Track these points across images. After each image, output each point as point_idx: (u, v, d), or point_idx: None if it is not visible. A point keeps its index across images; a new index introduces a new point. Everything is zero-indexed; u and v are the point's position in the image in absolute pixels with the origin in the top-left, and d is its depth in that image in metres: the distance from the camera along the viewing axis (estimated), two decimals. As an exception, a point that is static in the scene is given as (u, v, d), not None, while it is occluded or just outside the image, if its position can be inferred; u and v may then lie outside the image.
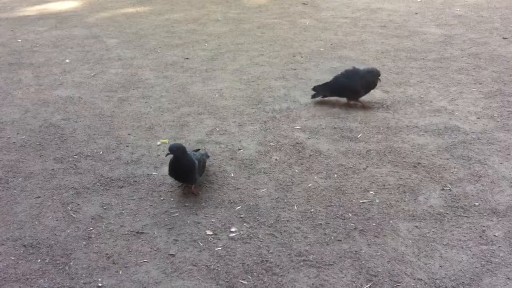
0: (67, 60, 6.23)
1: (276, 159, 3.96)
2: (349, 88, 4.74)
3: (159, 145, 4.19)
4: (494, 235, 3.08)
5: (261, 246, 3.05)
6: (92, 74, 5.76)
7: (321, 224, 3.22)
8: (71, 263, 2.94)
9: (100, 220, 3.30)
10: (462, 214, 3.28)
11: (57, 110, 4.88)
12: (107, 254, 3.00)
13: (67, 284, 2.79)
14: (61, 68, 5.97)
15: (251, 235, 3.14)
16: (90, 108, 4.90)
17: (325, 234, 3.13)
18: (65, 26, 7.78)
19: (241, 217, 3.30)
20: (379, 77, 4.78)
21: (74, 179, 3.75)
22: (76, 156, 4.06)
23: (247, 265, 2.91)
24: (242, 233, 3.16)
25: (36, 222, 3.29)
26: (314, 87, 4.98)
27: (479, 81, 5.30)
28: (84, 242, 3.10)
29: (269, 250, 3.01)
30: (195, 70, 5.84)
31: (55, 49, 6.65)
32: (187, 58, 6.23)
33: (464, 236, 3.08)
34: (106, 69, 5.90)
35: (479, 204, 3.36)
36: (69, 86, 5.45)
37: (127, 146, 4.20)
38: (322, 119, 4.57)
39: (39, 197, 3.55)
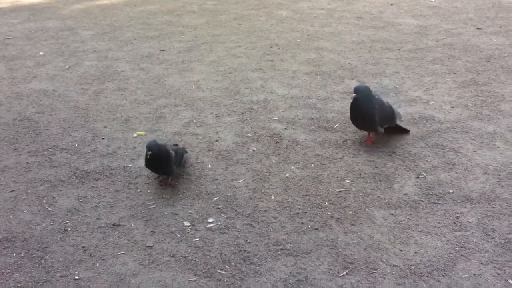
0: (41, 53, 6.14)
1: (253, 150, 3.96)
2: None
3: (136, 137, 4.16)
4: (468, 222, 3.14)
5: (239, 236, 3.06)
6: (66, 67, 5.69)
7: (298, 213, 3.24)
8: (47, 256, 2.91)
9: (76, 213, 3.27)
10: (436, 201, 3.33)
11: (31, 103, 4.81)
12: (83, 247, 2.98)
13: (43, 278, 2.76)
14: (35, 61, 5.88)
15: (229, 225, 3.15)
16: (65, 101, 4.84)
17: (302, 223, 3.15)
18: (38, 18, 7.65)
19: (218, 208, 3.30)
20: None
21: (49, 172, 3.70)
22: (51, 149, 4.01)
23: (225, 255, 2.91)
24: (219, 223, 3.16)
25: (11, 216, 3.25)
26: None
27: (453, 71, 5.37)
28: (60, 235, 3.07)
29: (246, 240, 3.02)
30: (171, 62, 5.81)
31: (28, 42, 6.54)
32: (163, 50, 6.18)
33: (439, 223, 3.13)
34: (81, 62, 5.83)
35: (453, 192, 3.41)
36: (43, 79, 5.38)
37: (102, 138, 4.16)
38: (299, 110, 4.58)
39: (13, 190, 3.51)
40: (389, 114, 3.96)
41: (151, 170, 3.53)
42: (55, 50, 6.21)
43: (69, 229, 3.13)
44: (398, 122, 4.08)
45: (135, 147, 4.01)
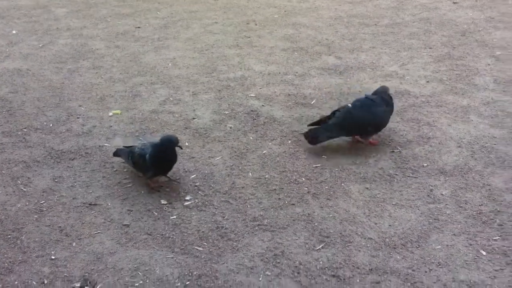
0: (14, 31, 6.01)
1: (230, 127, 3.96)
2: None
3: (111, 116, 4.13)
4: (441, 194, 3.19)
5: (216, 213, 3.07)
6: (40, 45, 5.59)
7: (275, 189, 3.27)
8: (23, 237, 2.90)
9: (52, 193, 3.25)
10: (411, 174, 3.37)
11: (4, 83, 4.73)
12: (59, 227, 2.97)
13: (20, 258, 2.76)
14: (7, 40, 5.76)
15: (206, 202, 3.16)
16: (39, 80, 4.77)
17: (279, 198, 3.18)
18: (10, -5, 7.47)
19: (196, 186, 3.31)
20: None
21: (23, 153, 3.66)
22: (25, 130, 3.96)
23: (202, 232, 2.93)
24: (197, 201, 3.17)
25: (-15, 198, 3.22)
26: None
27: (429, 45, 5.40)
28: (35, 216, 3.06)
29: (224, 217, 3.04)
30: (147, 39, 5.74)
31: (0, 20, 6.40)
32: (139, 27, 6.10)
33: (413, 196, 3.18)
34: (55, 40, 5.73)
35: (427, 165, 3.46)
36: (17, 58, 5.28)
37: (78, 117, 4.11)
38: (276, 87, 4.58)
39: (-13, 172, 3.47)
40: None
41: (161, 173, 3.29)
42: (28, 29, 6.08)
43: (44, 209, 3.11)
44: None
45: (111, 126, 3.97)
